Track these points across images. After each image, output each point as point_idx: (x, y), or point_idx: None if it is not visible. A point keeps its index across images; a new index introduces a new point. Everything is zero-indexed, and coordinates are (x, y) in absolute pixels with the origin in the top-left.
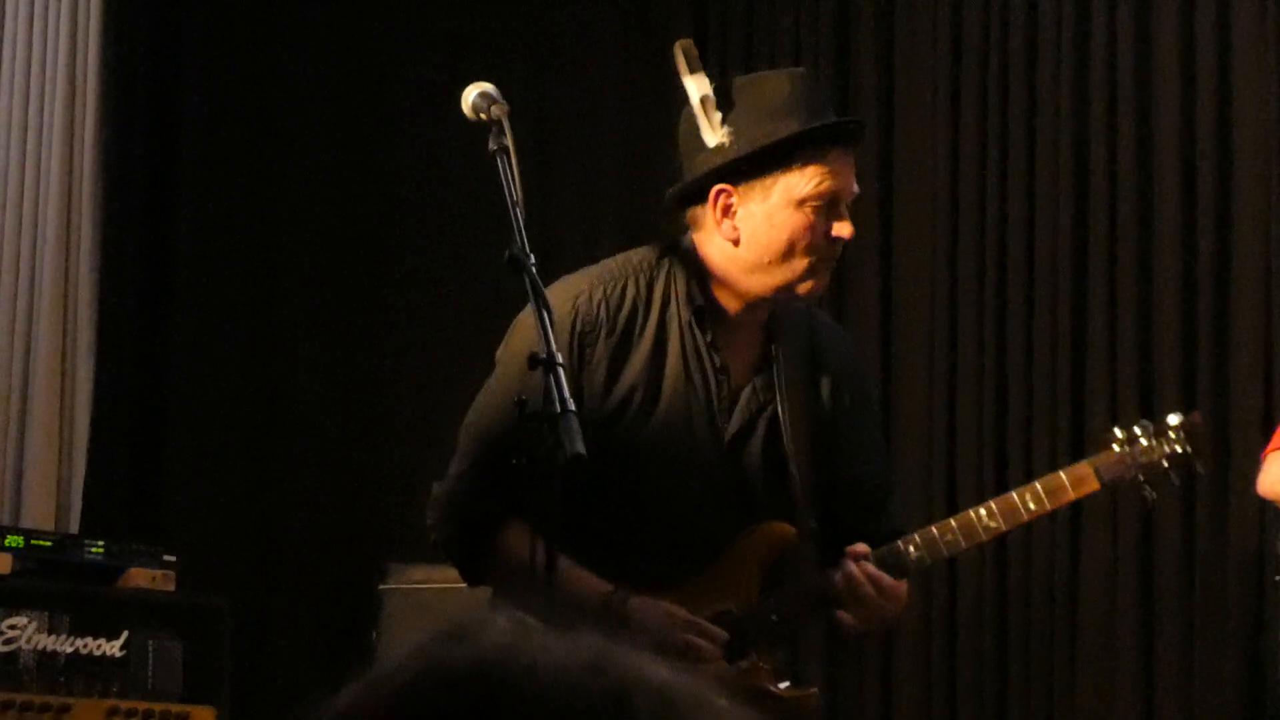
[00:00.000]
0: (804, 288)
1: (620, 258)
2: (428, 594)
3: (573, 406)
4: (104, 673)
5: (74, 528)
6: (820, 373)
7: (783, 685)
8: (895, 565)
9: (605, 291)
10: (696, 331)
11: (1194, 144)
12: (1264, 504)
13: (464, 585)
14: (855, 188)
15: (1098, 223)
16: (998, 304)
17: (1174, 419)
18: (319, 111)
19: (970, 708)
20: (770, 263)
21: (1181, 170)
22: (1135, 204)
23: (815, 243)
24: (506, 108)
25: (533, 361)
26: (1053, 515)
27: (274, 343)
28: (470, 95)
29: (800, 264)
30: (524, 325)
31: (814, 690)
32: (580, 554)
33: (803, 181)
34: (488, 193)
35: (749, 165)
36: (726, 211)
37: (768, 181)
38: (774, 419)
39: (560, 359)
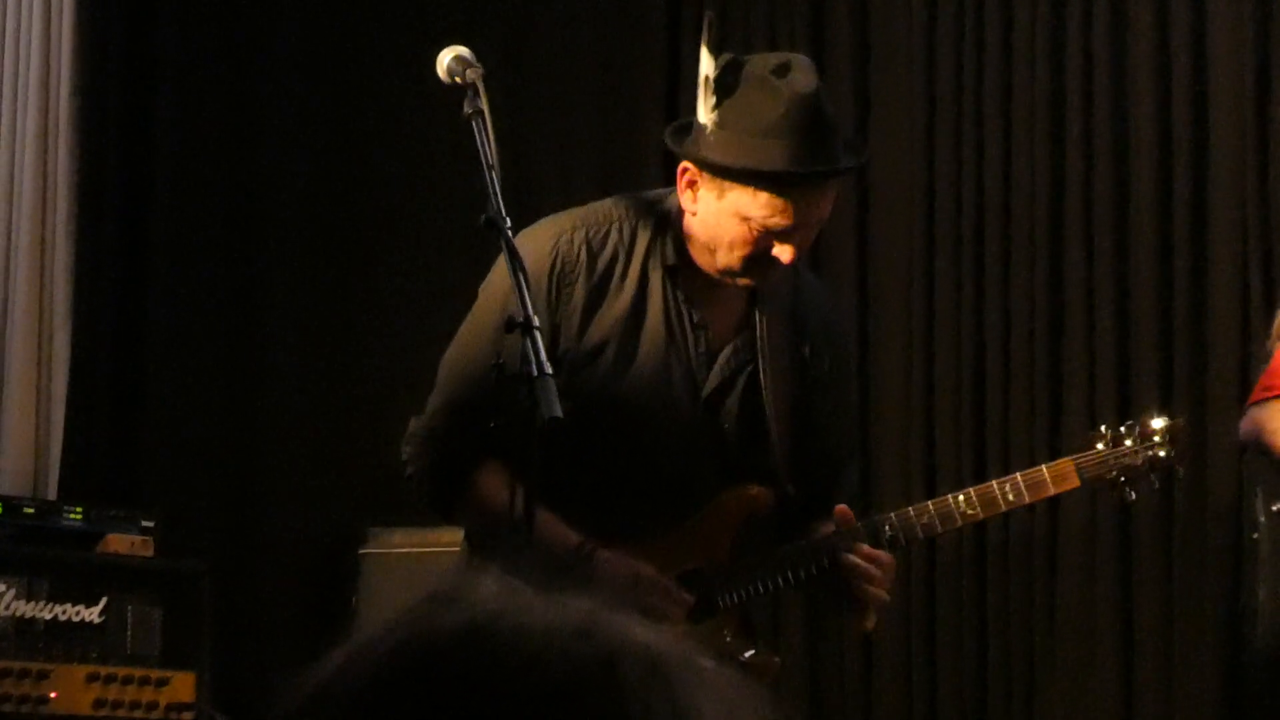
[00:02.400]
0: (741, 281)
1: (608, 202)
2: (407, 558)
3: (549, 370)
4: (83, 638)
5: (52, 493)
6: (801, 335)
7: (747, 653)
8: (869, 540)
9: (588, 234)
10: (673, 285)
11: (1170, 139)
12: (1241, 462)
13: (445, 550)
14: (822, 215)
15: (1073, 214)
16: (975, 296)
17: (1158, 423)
18: (295, 78)
19: (950, 673)
20: (711, 249)
21: (1158, 163)
22: (1111, 199)
23: (752, 254)
24: (481, 71)
25: (509, 325)
26: (1031, 459)
27: (252, 307)
28: (445, 59)
29: (735, 263)
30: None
31: (775, 658)
32: (555, 502)
33: (755, 205)
34: (465, 156)
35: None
36: (690, 185)
37: (725, 185)
38: (753, 379)
39: (537, 322)
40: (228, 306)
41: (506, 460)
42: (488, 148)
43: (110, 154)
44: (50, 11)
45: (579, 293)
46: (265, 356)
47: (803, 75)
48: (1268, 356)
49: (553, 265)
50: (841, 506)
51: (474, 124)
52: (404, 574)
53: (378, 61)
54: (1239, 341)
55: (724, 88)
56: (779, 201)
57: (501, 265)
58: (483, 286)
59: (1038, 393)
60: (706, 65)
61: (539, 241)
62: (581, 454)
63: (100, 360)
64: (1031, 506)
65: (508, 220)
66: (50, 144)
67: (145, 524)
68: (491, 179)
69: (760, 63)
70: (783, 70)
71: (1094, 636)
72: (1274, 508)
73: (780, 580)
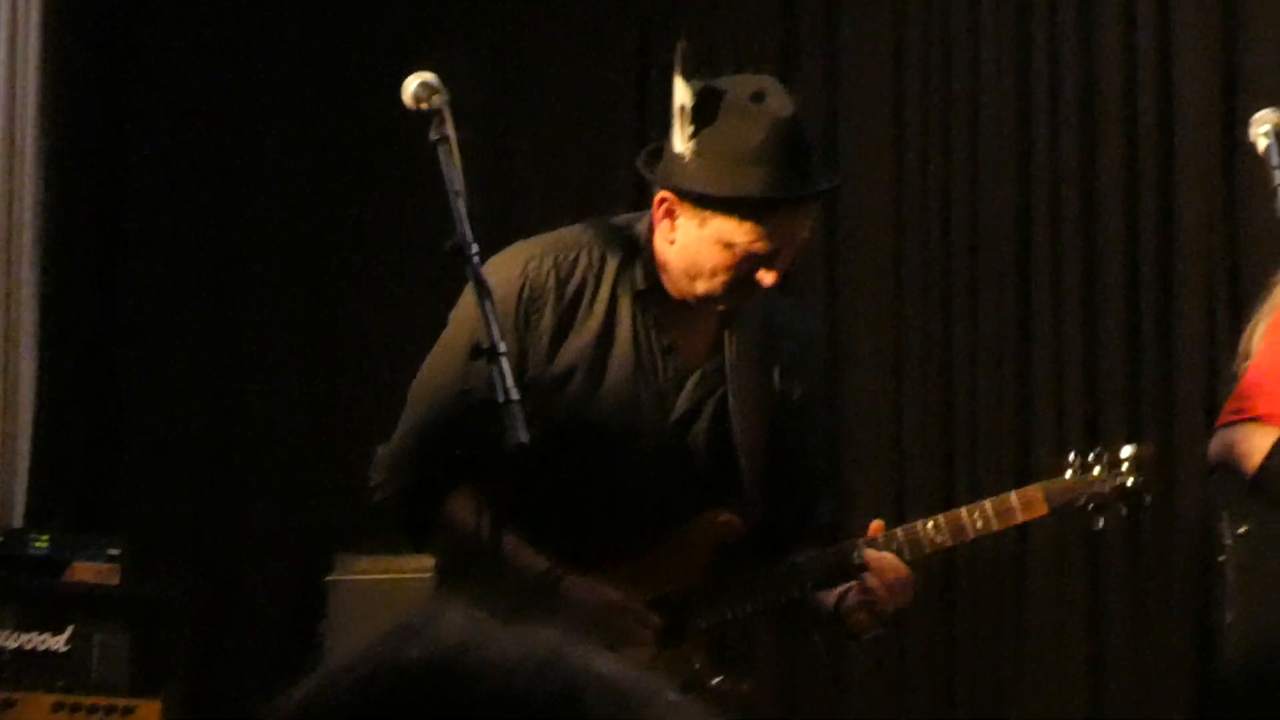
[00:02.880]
0: (720, 306)
1: (577, 228)
2: (375, 585)
3: (516, 396)
4: (49, 667)
5: (18, 520)
6: (773, 359)
7: (715, 680)
8: (838, 565)
9: (556, 259)
10: (643, 310)
11: (1136, 163)
12: (1209, 484)
13: (412, 576)
14: (804, 237)
15: (1041, 239)
16: (942, 320)
17: (1126, 450)
18: (274, 103)
19: (919, 692)
20: (692, 277)
21: (1125, 186)
22: (1078, 222)
23: (735, 279)
24: (447, 96)
25: (476, 351)
26: (999, 482)
27: (223, 334)
28: (411, 85)
29: (717, 288)
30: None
31: (744, 685)
32: (525, 527)
33: (739, 232)
34: (439, 181)
35: (694, 196)
36: (669, 215)
37: (707, 214)
38: (722, 404)
39: (503, 349)
40: (198, 333)
41: (475, 486)
42: (453, 174)
43: (82, 176)
44: (17, 19)
45: (547, 318)
46: (234, 384)
47: (780, 100)
48: (1236, 379)
49: (521, 291)
50: (876, 521)
51: (439, 150)
52: (371, 601)
53: (355, 86)
54: (1206, 364)
55: (702, 116)
56: (761, 229)
57: (470, 292)
58: (452, 314)
59: (1005, 418)
60: (681, 94)
61: (508, 268)
62: (551, 479)
63: (67, 386)
64: (1000, 533)
65: (474, 246)
66: (16, 166)
67: (112, 552)
68: (457, 205)
69: (737, 90)
70: (760, 96)
71: (1063, 657)
72: (1240, 530)
73: (749, 606)
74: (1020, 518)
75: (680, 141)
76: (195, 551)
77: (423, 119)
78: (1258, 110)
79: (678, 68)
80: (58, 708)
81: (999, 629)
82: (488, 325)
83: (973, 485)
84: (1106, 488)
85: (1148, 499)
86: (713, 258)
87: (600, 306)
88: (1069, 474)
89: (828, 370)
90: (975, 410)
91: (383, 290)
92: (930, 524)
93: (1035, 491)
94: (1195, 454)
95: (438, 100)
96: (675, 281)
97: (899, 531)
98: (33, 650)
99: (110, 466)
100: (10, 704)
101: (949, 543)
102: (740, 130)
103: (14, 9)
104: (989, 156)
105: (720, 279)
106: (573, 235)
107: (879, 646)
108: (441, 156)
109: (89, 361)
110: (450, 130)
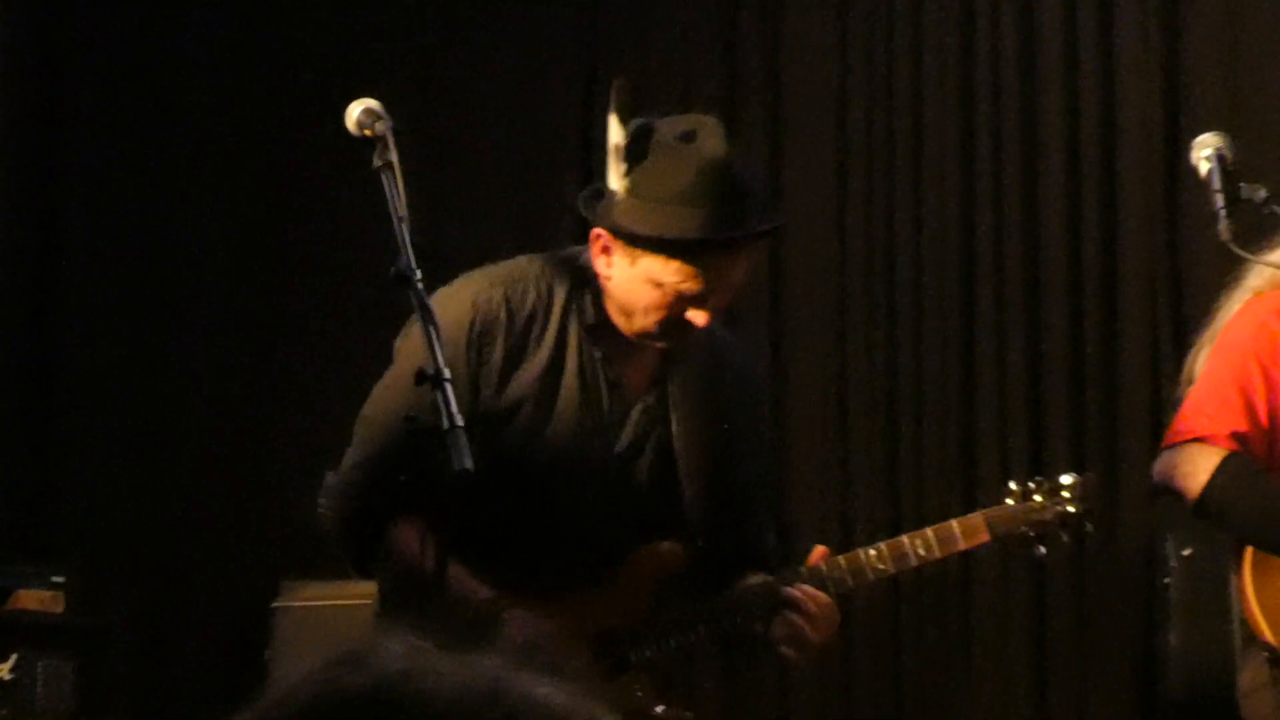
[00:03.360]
0: (656, 344)
1: (524, 260)
2: (321, 611)
3: (460, 422)
4: None
5: None
6: (715, 392)
7: (658, 708)
8: (770, 597)
9: (506, 292)
10: (591, 343)
11: (1079, 194)
12: (1153, 508)
13: (357, 603)
14: (737, 279)
15: (984, 271)
16: (887, 350)
17: (1067, 479)
18: (209, 119)
19: (865, 713)
20: (628, 314)
21: (1068, 217)
22: (1021, 253)
23: (666, 318)
24: (391, 124)
25: (420, 377)
26: (944, 504)
27: (165, 358)
28: (354, 111)
29: (651, 326)
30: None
31: (688, 714)
32: (470, 557)
33: (667, 272)
34: (379, 209)
35: (625, 235)
36: (605, 251)
37: (637, 253)
38: (666, 438)
39: (448, 374)
40: (139, 360)
41: (421, 514)
42: (397, 200)
43: (19, 204)
44: None
45: (498, 351)
46: (177, 411)
47: (711, 140)
48: (1179, 404)
49: (472, 324)
50: (819, 547)
51: (383, 177)
52: (317, 627)
53: (291, 115)
54: (1150, 388)
55: (633, 155)
56: (690, 268)
57: (415, 321)
58: (397, 344)
59: (950, 445)
60: (615, 133)
61: (458, 300)
62: (497, 510)
63: (9, 415)
64: (943, 560)
65: (418, 273)
66: None
67: (56, 579)
68: (401, 231)
69: (669, 128)
70: (690, 136)
71: (1008, 681)
72: (1184, 553)
73: (693, 636)
74: (962, 545)
75: (615, 179)
76: (140, 579)
77: (366, 145)
78: (1200, 134)
79: (613, 105)
80: None
81: (945, 652)
82: (432, 350)
83: (919, 514)
84: (1048, 515)
85: (1089, 527)
86: (644, 296)
87: (549, 339)
88: (1010, 502)
89: (767, 403)
90: (920, 439)
91: (325, 317)
92: (873, 551)
93: (977, 519)
94: (1139, 478)
95: (381, 127)
96: (615, 317)
97: (841, 559)
98: None
99: (53, 495)
100: None
101: (891, 570)
102: (670, 170)
103: None
104: (932, 186)
105: (653, 317)
106: (520, 267)
107: (824, 672)
108: (386, 183)
109: (28, 390)
110: (394, 157)
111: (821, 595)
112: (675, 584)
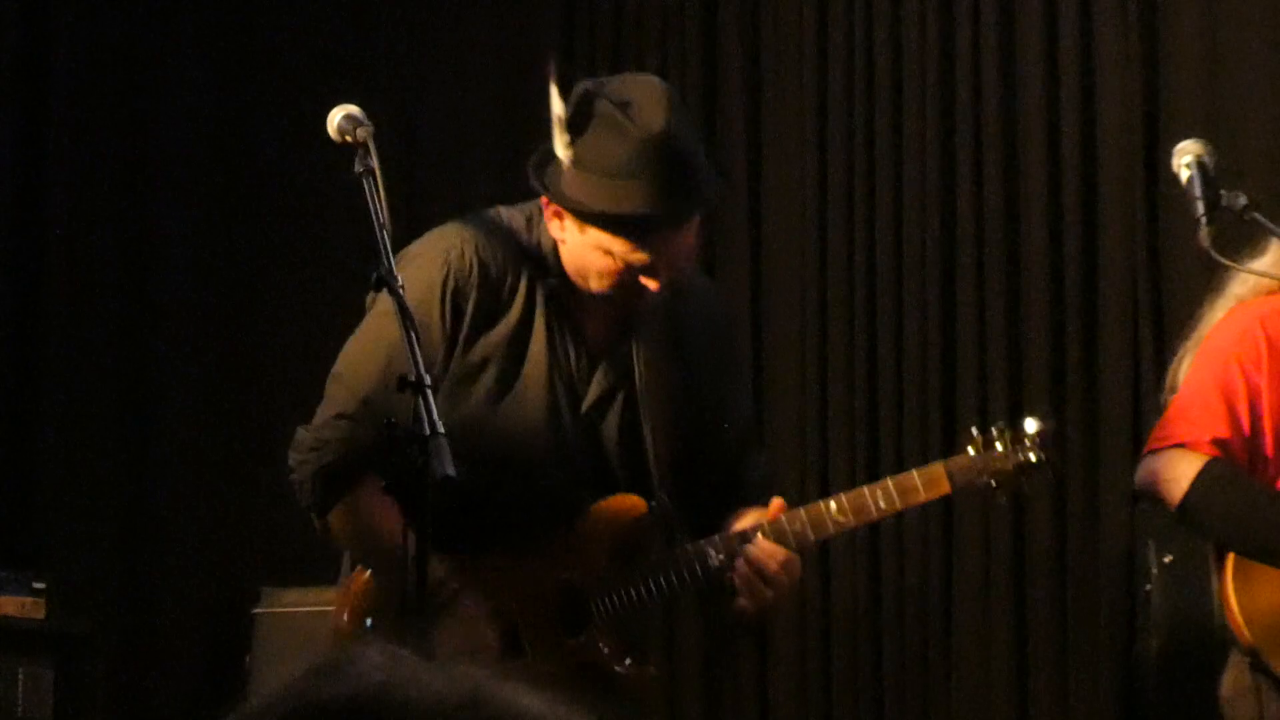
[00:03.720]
0: (617, 304)
1: (492, 213)
2: (301, 617)
3: (442, 429)
4: None
5: None
6: (681, 339)
7: (624, 663)
8: (728, 549)
9: (478, 247)
10: (555, 303)
11: (1060, 194)
12: (1134, 513)
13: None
14: (686, 246)
15: (965, 222)
16: (867, 306)
17: (1031, 426)
18: (190, 125)
19: (844, 716)
20: (583, 277)
21: (1048, 170)
22: (1001, 205)
23: (619, 283)
24: (371, 129)
25: (401, 384)
26: (925, 510)
27: (145, 365)
28: (335, 117)
29: (605, 289)
30: (404, 279)
31: (651, 669)
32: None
33: (614, 244)
34: (359, 213)
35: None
36: (557, 215)
37: (585, 223)
38: (631, 390)
39: (429, 381)
40: (118, 365)
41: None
42: (379, 205)
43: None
44: None
45: (470, 308)
46: (158, 417)
47: (650, 110)
48: (1163, 408)
49: (444, 282)
50: (776, 499)
51: (365, 182)
52: (298, 633)
53: (271, 116)
54: (1130, 393)
55: (575, 126)
56: (634, 241)
57: (406, 273)
58: (374, 304)
59: (931, 450)
60: (556, 103)
61: (430, 259)
62: (463, 469)
63: None
64: (901, 514)
65: (400, 278)
66: None
67: (36, 585)
68: (383, 237)
69: (608, 98)
70: (627, 106)
71: (989, 690)
72: (1166, 559)
73: (652, 587)
74: (923, 496)
75: (560, 149)
76: (120, 585)
77: (339, 153)
78: (1180, 140)
79: (551, 77)
80: None
81: (924, 653)
82: (413, 356)
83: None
84: (1010, 464)
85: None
86: (596, 262)
87: (519, 296)
88: (971, 450)
89: (737, 344)
90: (901, 447)
91: (307, 321)
92: (833, 503)
93: (938, 469)
94: (1120, 484)
95: (362, 133)
96: (572, 277)
97: (802, 511)
98: None
99: (33, 500)
100: None
101: (852, 523)
102: (609, 144)
103: None
104: (913, 192)
105: (606, 281)
106: (491, 222)
107: (803, 675)
108: (367, 188)
109: (9, 398)
110: (375, 162)
111: (780, 552)
112: (645, 535)
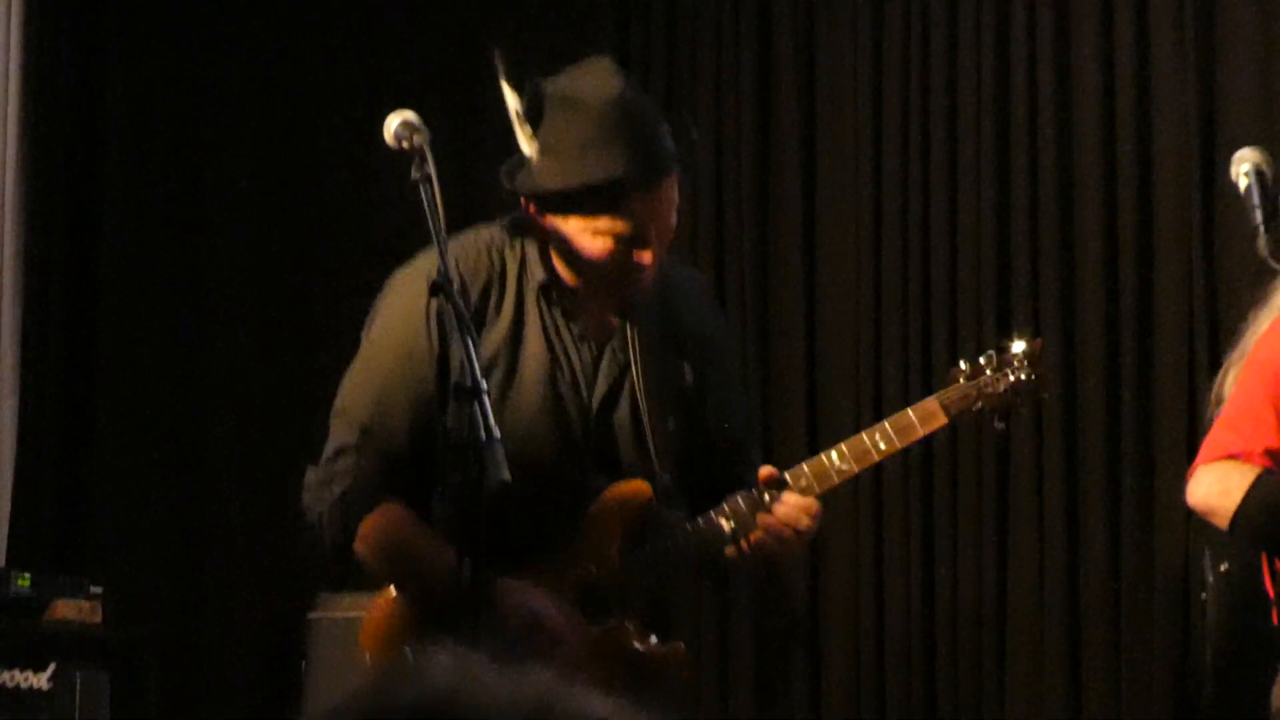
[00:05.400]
0: (614, 294)
1: (471, 232)
2: (357, 623)
3: (498, 434)
4: (31, 705)
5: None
6: (673, 331)
7: (650, 643)
8: (753, 509)
9: (459, 265)
10: (548, 302)
11: (1115, 207)
12: (1189, 523)
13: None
14: (670, 203)
15: (1019, 235)
16: (921, 319)
17: (1017, 346)
18: (244, 136)
19: None
20: (576, 269)
21: (1103, 177)
22: (1056, 214)
23: (615, 264)
24: (428, 136)
25: (457, 392)
26: (978, 526)
27: (201, 372)
28: (392, 124)
29: (601, 277)
30: (390, 306)
31: (680, 645)
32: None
33: (596, 222)
34: (415, 219)
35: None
36: (539, 215)
37: (566, 210)
38: (632, 380)
39: (484, 386)
40: (176, 371)
41: (403, 500)
42: (436, 213)
43: (57, 221)
44: None
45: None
46: (212, 421)
47: (602, 81)
48: (1209, 420)
49: (428, 304)
50: (765, 467)
51: (421, 189)
52: (353, 639)
53: (327, 125)
54: (1185, 405)
55: (533, 116)
56: (614, 217)
57: (385, 308)
58: (374, 329)
59: (986, 468)
60: (511, 100)
61: (412, 282)
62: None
63: (48, 427)
64: (905, 451)
65: (456, 284)
66: None
67: (93, 590)
68: (440, 244)
69: (558, 83)
70: (579, 83)
71: (1043, 701)
72: (1222, 568)
73: (667, 570)
74: (921, 432)
75: (525, 145)
76: (177, 590)
77: (395, 160)
78: (1237, 149)
79: (501, 75)
80: None
81: (978, 667)
82: (470, 364)
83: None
84: (1001, 386)
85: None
86: (586, 248)
87: (508, 304)
88: (960, 380)
89: (729, 337)
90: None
91: (357, 330)
92: (834, 453)
93: (931, 403)
94: (1176, 492)
95: (419, 140)
96: (564, 273)
97: (805, 466)
98: (15, 689)
99: (91, 506)
100: None
101: (854, 469)
102: (567, 121)
103: None
104: (967, 201)
105: (602, 266)
106: (470, 239)
107: (858, 695)
108: (424, 195)
109: (68, 406)
110: (432, 169)
111: (811, 503)
112: (654, 520)
